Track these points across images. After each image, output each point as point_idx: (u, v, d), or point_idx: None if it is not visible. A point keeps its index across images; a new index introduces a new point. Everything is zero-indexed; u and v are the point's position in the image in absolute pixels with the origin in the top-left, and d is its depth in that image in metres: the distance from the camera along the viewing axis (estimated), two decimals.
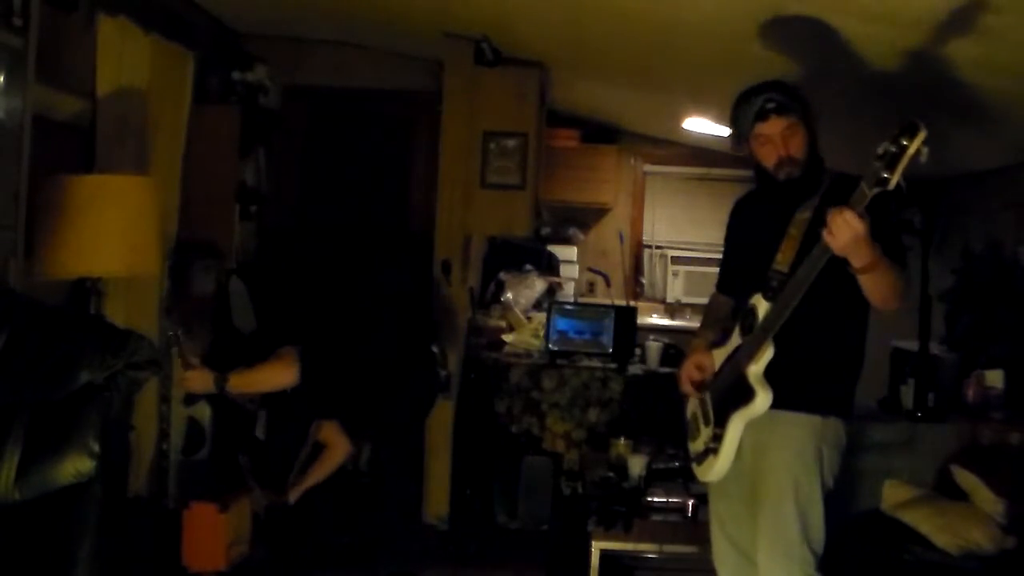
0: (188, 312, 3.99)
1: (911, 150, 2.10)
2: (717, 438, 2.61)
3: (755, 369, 2.51)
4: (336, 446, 3.92)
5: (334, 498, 4.18)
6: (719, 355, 2.71)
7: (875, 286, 2.41)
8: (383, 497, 4.13)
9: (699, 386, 2.74)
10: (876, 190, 2.16)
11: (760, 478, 2.60)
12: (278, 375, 3.63)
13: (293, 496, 3.89)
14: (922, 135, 2.10)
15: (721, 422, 2.61)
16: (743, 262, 2.76)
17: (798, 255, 2.49)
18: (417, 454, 4.78)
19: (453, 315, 4.95)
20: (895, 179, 2.13)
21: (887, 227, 2.46)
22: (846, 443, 2.64)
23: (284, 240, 5.30)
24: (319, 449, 3.94)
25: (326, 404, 3.85)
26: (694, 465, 2.76)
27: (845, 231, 2.22)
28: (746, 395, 2.53)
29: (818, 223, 2.48)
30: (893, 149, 2.11)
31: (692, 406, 2.80)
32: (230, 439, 3.94)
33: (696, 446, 2.75)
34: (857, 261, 2.31)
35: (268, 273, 4.90)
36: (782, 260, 2.52)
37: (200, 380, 3.54)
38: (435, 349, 4.30)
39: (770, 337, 2.48)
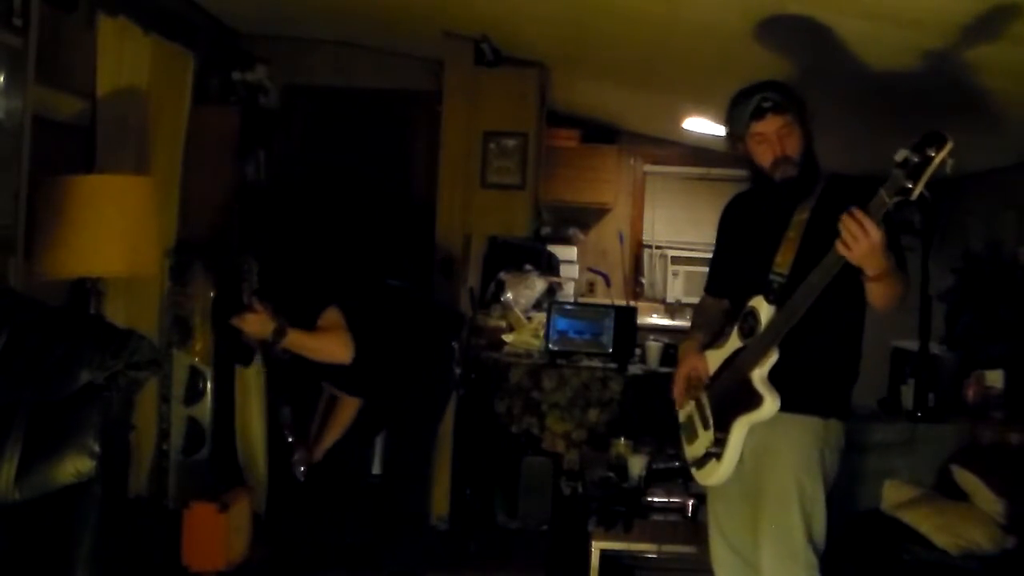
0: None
1: (936, 161, 2.07)
2: (720, 442, 2.59)
3: (760, 373, 2.49)
4: (348, 398, 3.91)
5: (336, 498, 4.18)
6: (713, 357, 2.69)
7: (883, 293, 2.39)
8: (394, 498, 4.11)
9: (693, 392, 2.73)
10: (897, 199, 2.14)
11: (762, 481, 2.58)
12: (336, 351, 3.49)
13: (318, 454, 3.89)
14: (949, 146, 2.06)
15: (723, 426, 2.59)
16: (739, 264, 2.75)
17: (797, 257, 2.48)
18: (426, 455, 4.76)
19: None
20: (918, 190, 2.09)
21: (890, 232, 2.45)
22: (844, 444, 2.64)
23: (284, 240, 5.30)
24: (332, 403, 3.94)
25: (348, 380, 3.82)
26: (694, 470, 2.73)
27: (863, 242, 2.19)
28: (752, 400, 2.51)
29: (816, 224, 2.48)
30: (916, 159, 2.08)
31: (687, 409, 2.78)
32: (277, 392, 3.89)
33: (695, 450, 2.73)
34: (872, 270, 2.29)
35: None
36: (782, 262, 2.51)
37: (257, 324, 3.35)
38: (455, 344, 4.27)
39: (777, 342, 2.48)
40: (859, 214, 2.19)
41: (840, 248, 2.23)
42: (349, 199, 5.42)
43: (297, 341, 3.43)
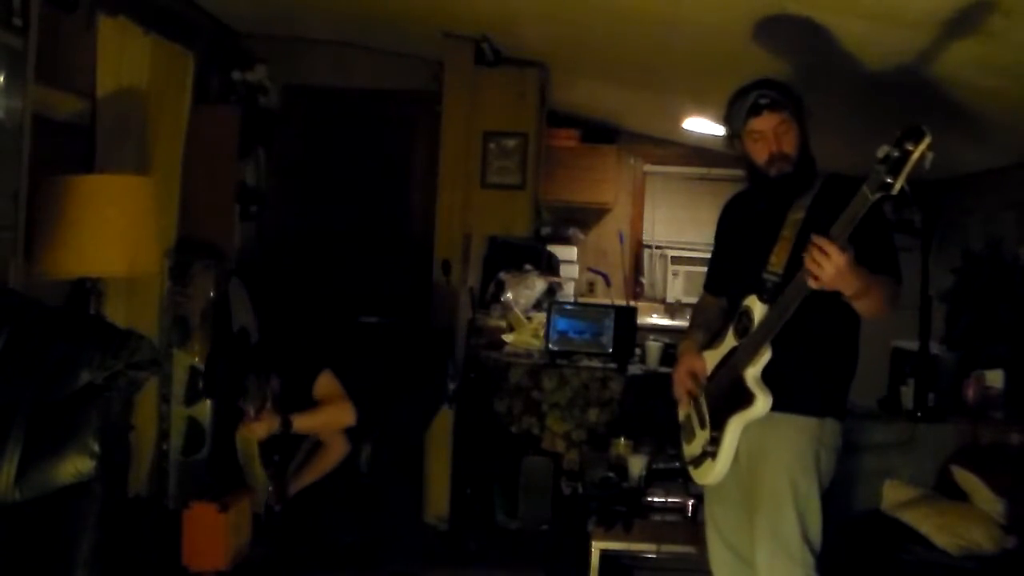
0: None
1: (916, 155, 2.08)
2: (715, 441, 2.60)
3: (753, 372, 2.50)
4: (334, 445, 3.93)
5: (335, 498, 4.18)
6: (711, 357, 2.69)
7: (867, 306, 2.42)
8: (383, 497, 4.13)
9: (693, 391, 2.73)
10: (879, 195, 2.15)
11: (757, 481, 2.59)
12: (341, 419, 3.74)
13: (291, 492, 3.90)
14: (927, 140, 2.07)
15: (718, 425, 2.60)
16: (735, 263, 2.75)
17: (791, 256, 2.49)
18: (417, 455, 4.78)
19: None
20: (899, 184, 2.10)
21: (879, 234, 2.45)
22: (841, 443, 2.64)
23: (285, 245, 5.32)
24: (318, 445, 3.94)
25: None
26: (690, 468, 2.75)
27: (828, 267, 2.21)
28: (745, 398, 2.52)
29: (811, 223, 2.48)
30: (896, 153, 2.09)
31: (685, 408, 2.79)
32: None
33: (692, 449, 2.74)
34: (847, 291, 2.32)
35: (269, 277, 4.91)
36: (776, 262, 2.52)
37: (263, 429, 3.58)
38: (450, 363, 4.35)
39: (768, 340, 2.48)
40: (820, 241, 2.21)
41: (810, 283, 2.26)
42: (341, 225, 5.44)
43: (303, 426, 3.68)
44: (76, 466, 2.49)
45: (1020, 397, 3.87)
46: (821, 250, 2.21)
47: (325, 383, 3.73)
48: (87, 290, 3.41)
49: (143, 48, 3.80)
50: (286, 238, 5.38)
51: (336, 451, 3.93)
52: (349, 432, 3.90)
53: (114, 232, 3.18)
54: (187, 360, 4.09)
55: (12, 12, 2.96)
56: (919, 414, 3.81)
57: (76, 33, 3.47)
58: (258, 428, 3.57)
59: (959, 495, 3.49)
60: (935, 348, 4.19)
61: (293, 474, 3.90)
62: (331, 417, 3.73)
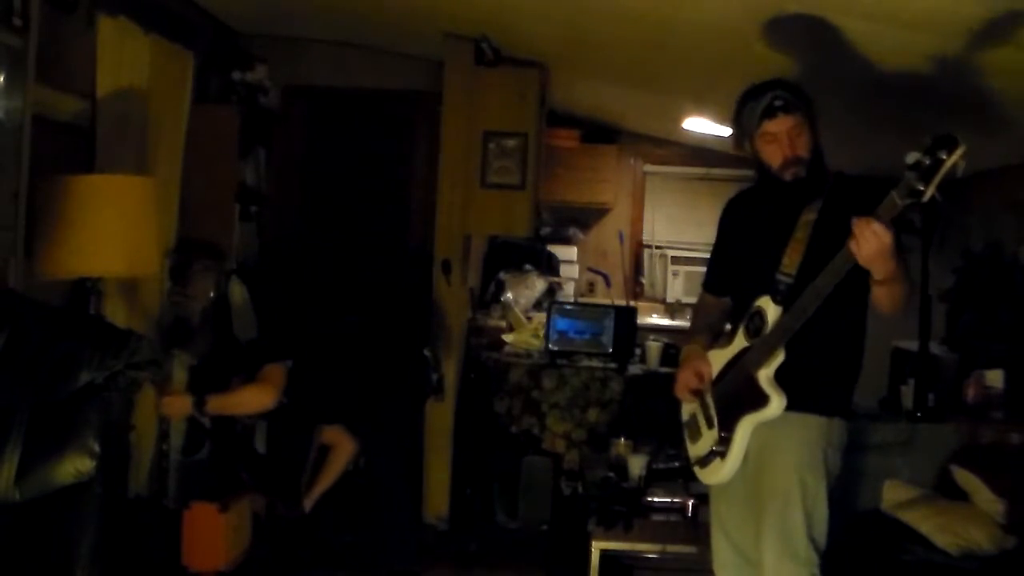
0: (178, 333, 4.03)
1: (948, 164, 2.07)
2: (725, 441, 2.58)
3: (766, 373, 2.49)
4: (342, 446, 3.94)
5: (334, 498, 4.19)
6: (718, 357, 2.69)
7: (889, 296, 2.40)
8: (378, 497, 4.13)
9: (698, 392, 2.73)
10: (908, 201, 2.14)
11: (765, 480, 2.58)
12: (255, 399, 3.62)
13: (308, 504, 3.91)
14: (961, 149, 2.06)
15: (728, 425, 2.58)
16: (744, 263, 2.74)
17: (804, 258, 2.48)
18: (416, 454, 4.78)
19: (444, 317, 4.95)
20: (930, 192, 2.09)
21: (895, 235, 2.45)
22: (847, 443, 2.64)
23: (285, 247, 5.32)
24: (324, 452, 3.95)
25: (324, 412, 3.86)
26: (697, 468, 2.73)
27: (873, 242, 2.20)
28: (758, 399, 2.51)
29: (823, 225, 2.48)
30: (928, 161, 2.08)
31: (691, 408, 2.77)
32: (228, 453, 3.94)
33: (698, 449, 2.73)
34: (880, 273, 2.30)
35: (269, 278, 4.91)
36: (789, 263, 2.51)
37: (177, 405, 3.58)
38: (427, 352, 4.34)
39: (784, 342, 2.47)
40: (866, 219, 2.20)
41: (852, 246, 2.24)
42: (340, 225, 5.45)
43: (218, 405, 3.61)
44: (76, 466, 2.49)
45: (1020, 397, 3.87)
46: (870, 226, 2.19)
47: (268, 369, 3.65)
48: (87, 290, 3.41)
49: (143, 48, 3.80)
50: (286, 238, 5.38)
51: (345, 451, 3.94)
52: (349, 428, 3.91)
53: (114, 232, 3.18)
54: (187, 360, 4.08)
55: (12, 12, 2.96)
56: (919, 414, 3.81)
57: (76, 33, 3.47)
58: (170, 403, 3.55)
59: (959, 495, 3.49)
60: (935, 348, 4.20)
61: (307, 486, 3.91)
62: (246, 397, 3.61)
